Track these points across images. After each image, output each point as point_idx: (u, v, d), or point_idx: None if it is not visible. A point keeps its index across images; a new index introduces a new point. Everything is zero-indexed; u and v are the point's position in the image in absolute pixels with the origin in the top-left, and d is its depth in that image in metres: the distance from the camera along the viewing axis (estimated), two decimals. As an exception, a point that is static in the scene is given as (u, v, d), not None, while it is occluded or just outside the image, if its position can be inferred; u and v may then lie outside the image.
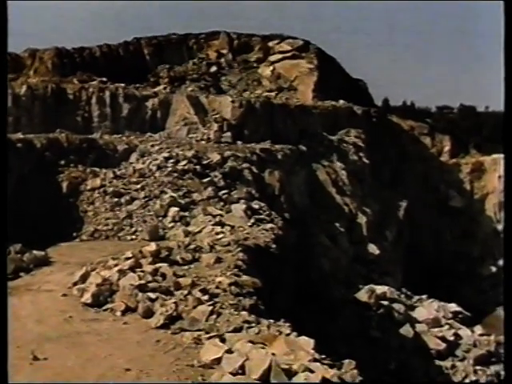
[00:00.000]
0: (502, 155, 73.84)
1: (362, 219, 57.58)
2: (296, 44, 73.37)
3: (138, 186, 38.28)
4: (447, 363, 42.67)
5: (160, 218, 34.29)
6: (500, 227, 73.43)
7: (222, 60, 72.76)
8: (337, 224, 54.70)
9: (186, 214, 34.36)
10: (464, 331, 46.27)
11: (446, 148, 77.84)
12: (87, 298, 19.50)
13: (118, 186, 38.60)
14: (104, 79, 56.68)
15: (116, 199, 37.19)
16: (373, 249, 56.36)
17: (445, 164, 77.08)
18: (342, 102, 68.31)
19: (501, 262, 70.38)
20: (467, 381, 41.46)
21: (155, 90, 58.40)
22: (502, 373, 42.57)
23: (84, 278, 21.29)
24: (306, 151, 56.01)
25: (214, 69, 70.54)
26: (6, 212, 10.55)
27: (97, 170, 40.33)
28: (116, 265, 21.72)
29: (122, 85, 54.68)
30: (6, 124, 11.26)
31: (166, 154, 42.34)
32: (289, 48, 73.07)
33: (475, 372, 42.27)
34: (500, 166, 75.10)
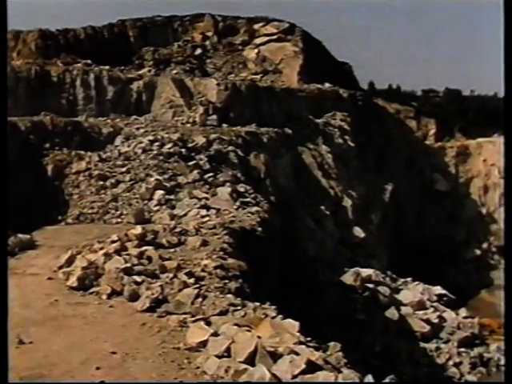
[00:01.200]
0: (486, 139, 74.37)
1: (347, 202, 57.76)
2: (281, 27, 73.30)
3: (124, 169, 38.13)
4: (431, 345, 43.01)
5: (145, 201, 34.17)
6: (484, 210, 73.93)
7: (207, 42, 72.57)
8: (322, 207, 54.84)
9: (172, 197, 34.26)
10: (448, 314, 46.62)
11: (432, 131, 78.20)
12: (73, 281, 19.44)
13: (104, 169, 38.43)
14: (88, 61, 56.36)
15: (101, 182, 37.03)
16: (358, 232, 56.59)
17: (430, 147, 77.45)
18: (327, 85, 68.37)
19: (485, 245, 70.97)
20: (451, 363, 41.83)
21: (140, 72, 58.20)
22: (486, 355, 43.04)
23: (69, 262, 21.22)
24: (291, 134, 56.05)
25: (199, 51, 70.34)
26: (6, 201, 10.51)
27: (82, 153, 40.12)
28: (101, 248, 21.66)
29: (107, 67, 54.39)
30: (6, 118, 11.22)
31: (151, 137, 42.21)
32: (274, 31, 72.98)
33: (459, 354, 42.64)
34: (485, 149, 75.52)
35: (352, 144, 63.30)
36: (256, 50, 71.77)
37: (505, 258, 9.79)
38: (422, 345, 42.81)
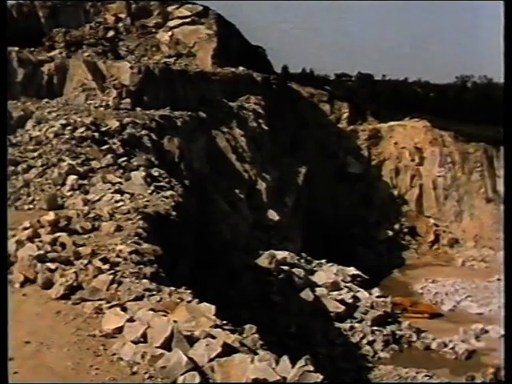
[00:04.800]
0: (397, 122, 75.97)
1: (261, 185, 58.07)
2: (195, 9, 72.79)
3: (35, 154, 37.45)
4: (346, 325, 43.92)
5: (58, 187, 33.63)
6: (396, 192, 75.55)
7: (120, 24, 71.43)
8: (236, 190, 54.99)
9: (85, 182, 33.84)
10: (362, 293, 47.73)
11: (345, 115, 79.21)
12: (-17, 269, 19.06)
13: (14, 154, 37.64)
14: (-4, 42, 54.75)
15: (12, 168, 36.21)
16: (272, 215, 57.00)
17: (343, 131, 78.52)
18: (241, 68, 68.39)
19: (397, 226, 72.56)
20: (365, 341, 42.81)
21: (51, 54, 56.94)
22: (398, 332, 44.23)
23: (-20, 249, 20.77)
24: (205, 118, 55.96)
25: (111, 33, 69.18)
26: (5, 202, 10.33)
27: (-9, 137, 39.17)
28: (13, 235, 21.26)
29: (16, 48, 52.94)
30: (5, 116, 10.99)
31: (63, 121, 41.54)
32: (188, 13, 72.42)
33: (372, 332, 43.70)
34: (396, 132, 77.10)
35: (266, 127, 63.61)
36: (169, 33, 71.11)
37: (505, 255, 10.00)
38: (337, 325, 43.69)
